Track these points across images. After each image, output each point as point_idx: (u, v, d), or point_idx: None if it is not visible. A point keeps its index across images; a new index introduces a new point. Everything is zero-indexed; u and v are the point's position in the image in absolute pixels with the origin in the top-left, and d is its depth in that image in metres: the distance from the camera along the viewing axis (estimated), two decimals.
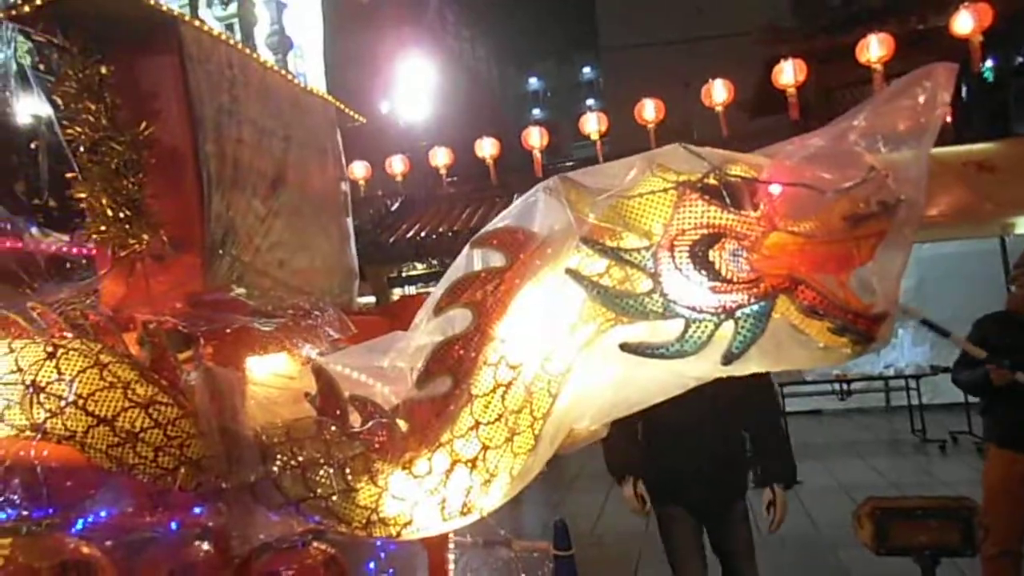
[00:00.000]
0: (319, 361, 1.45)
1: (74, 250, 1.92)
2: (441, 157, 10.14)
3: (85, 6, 1.65)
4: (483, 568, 3.19)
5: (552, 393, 1.30)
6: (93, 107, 1.67)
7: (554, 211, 1.32)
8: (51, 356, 1.35)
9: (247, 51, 2.09)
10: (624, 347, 1.17)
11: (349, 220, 2.46)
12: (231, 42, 1.99)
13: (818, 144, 1.22)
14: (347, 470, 1.34)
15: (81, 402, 1.33)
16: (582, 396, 1.32)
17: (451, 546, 2.43)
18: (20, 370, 1.35)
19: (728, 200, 1.10)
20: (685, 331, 1.13)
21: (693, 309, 1.12)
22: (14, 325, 1.47)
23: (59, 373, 1.34)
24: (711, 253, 1.12)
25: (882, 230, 1.14)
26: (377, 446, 1.35)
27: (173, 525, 1.58)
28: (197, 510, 1.54)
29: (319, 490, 1.33)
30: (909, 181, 1.16)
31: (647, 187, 1.18)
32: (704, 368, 1.22)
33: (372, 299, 9.35)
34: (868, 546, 2.47)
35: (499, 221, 1.37)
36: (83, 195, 1.67)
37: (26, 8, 1.61)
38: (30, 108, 1.93)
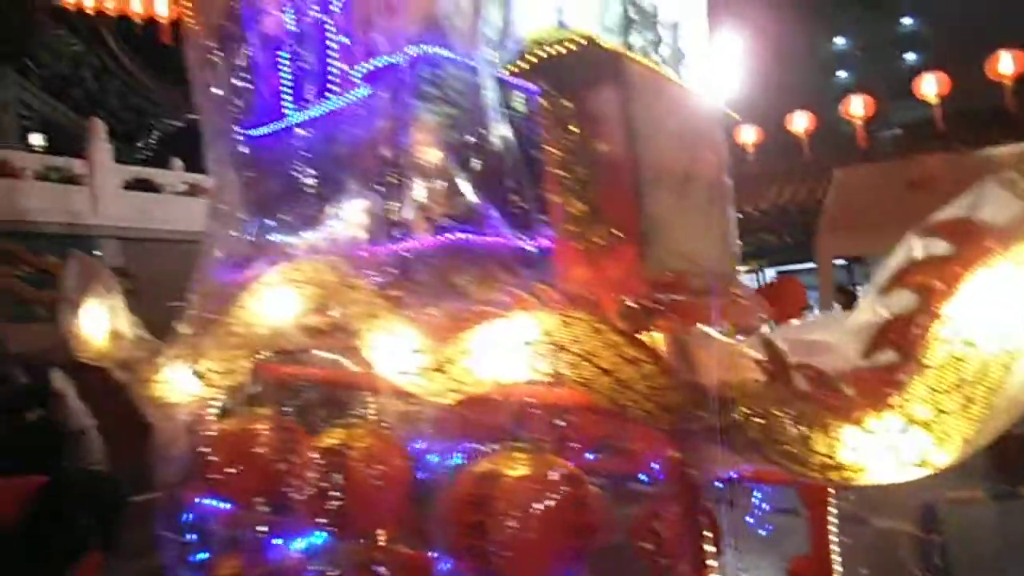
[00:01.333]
0: (766, 334, 1.75)
1: (533, 244, 2.48)
2: (747, 134, 9.96)
3: (558, 58, 2.14)
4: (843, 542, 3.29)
5: (1008, 368, 1.43)
6: (563, 134, 2.17)
7: (1007, 202, 1.44)
8: (566, 324, 1.85)
9: (659, 69, 2.47)
10: None
11: (732, 208, 2.75)
12: (652, 65, 2.39)
13: None
14: (801, 423, 1.62)
15: (590, 358, 1.80)
16: None
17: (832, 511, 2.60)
18: (546, 333, 1.87)
19: None
20: None
21: None
22: (526, 301, 2.01)
23: (573, 336, 1.83)
24: None
25: None
26: (826, 405, 1.61)
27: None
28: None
29: (778, 436, 1.63)
30: None
31: None
32: None
33: None
34: None
35: (946, 211, 1.53)
36: (558, 201, 2.19)
37: (521, 65, 2.16)
38: (499, 135, 2.52)
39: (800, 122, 9.26)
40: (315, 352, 2.76)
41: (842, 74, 24.06)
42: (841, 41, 25.56)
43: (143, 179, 10.66)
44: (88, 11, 9.77)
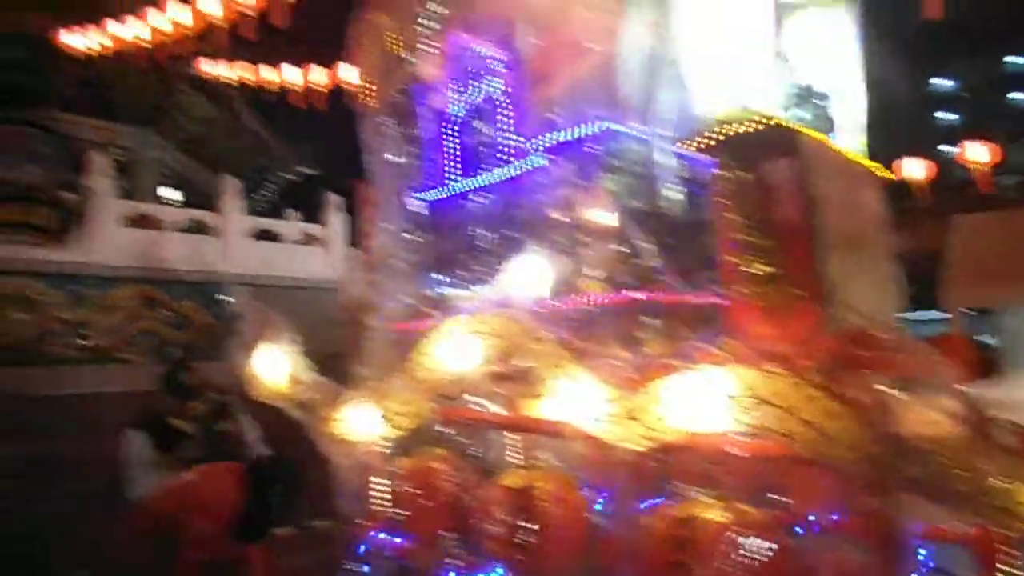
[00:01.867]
0: (965, 393, 1.85)
1: (705, 302, 2.66)
2: None
3: (742, 135, 2.35)
4: None
5: None
6: (744, 202, 2.36)
7: None
8: (767, 378, 2.01)
9: (825, 139, 2.64)
10: None
11: (894, 265, 2.85)
12: (819, 136, 2.56)
13: None
14: (1006, 475, 1.70)
15: (792, 411, 1.95)
16: None
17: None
18: (747, 387, 2.03)
19: None
20: None
21: None
22: (713, 355, 2.18)
23: (774, 390, 1.98)
24: None
25: None
26: None
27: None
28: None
29: (985, 488, 1.72)
30: None
31: None
32: None
33: None
34: None
35: None
36: (737, 263, 2.37)
37: (707, 141, 2.38)
38: (672, 202, 2.73)
39: (913, 168, 9.06)
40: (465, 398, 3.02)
41: (947, 116, 23.23)
42: (945, 82, 24.63)
43: (265, 229, 11.47)
44: (227, 80, 10.78)
